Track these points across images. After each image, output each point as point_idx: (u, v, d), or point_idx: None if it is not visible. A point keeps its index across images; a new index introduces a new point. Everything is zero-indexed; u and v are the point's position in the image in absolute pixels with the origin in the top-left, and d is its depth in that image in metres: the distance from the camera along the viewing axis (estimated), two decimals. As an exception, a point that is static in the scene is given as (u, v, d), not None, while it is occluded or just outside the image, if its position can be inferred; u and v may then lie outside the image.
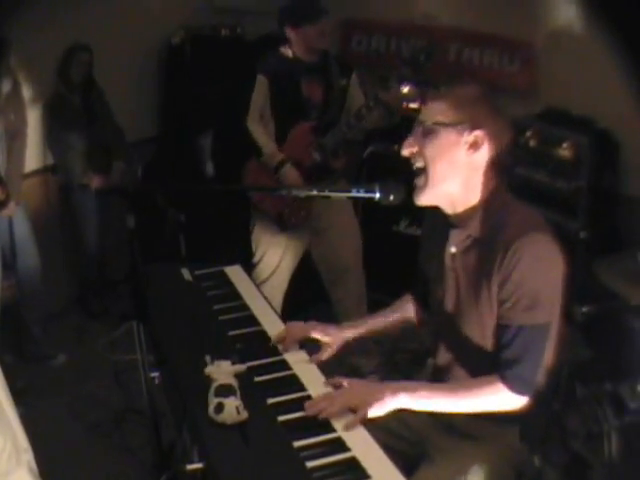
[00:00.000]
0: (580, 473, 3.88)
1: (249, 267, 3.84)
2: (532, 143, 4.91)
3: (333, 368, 2.96)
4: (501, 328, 2.57)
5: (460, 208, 2.67)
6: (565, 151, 4.73)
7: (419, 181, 2.66)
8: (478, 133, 2.57)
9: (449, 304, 2.76)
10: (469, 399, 2.61)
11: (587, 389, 3.98)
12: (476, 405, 2.61)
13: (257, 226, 5.08)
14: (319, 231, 5.09)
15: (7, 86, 5.02)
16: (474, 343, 2.68)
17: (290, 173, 4.76)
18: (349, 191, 2.85)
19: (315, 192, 2.89)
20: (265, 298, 3.54)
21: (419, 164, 2.65)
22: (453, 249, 2.70)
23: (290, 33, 4.72)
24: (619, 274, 3.87)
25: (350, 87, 4.94)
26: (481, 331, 2.65)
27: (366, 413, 2.55)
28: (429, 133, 2.61)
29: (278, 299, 5.06)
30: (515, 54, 5.52)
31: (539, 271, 2.50)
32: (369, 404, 2.56)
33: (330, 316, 4.93)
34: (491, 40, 5.65)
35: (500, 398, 2.57)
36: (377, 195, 2.77)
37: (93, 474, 4.31)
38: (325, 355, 3.02)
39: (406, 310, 3.18)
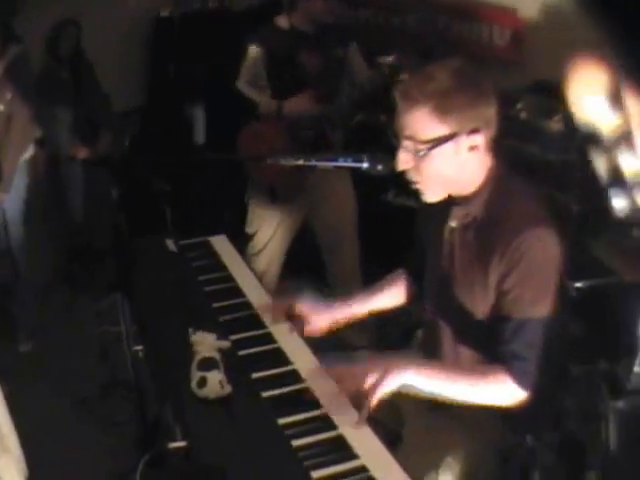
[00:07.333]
0: (575, 454, 3.85)
1: (237, 237, 3.80)
2: (523, 115, 4.86)
3: (320, 342, 2.91)
4: (501, 319, 2.51)
5: (462, 192, 2.62)
6: (556, 124, 4.69)
7: (419, 190, 2.61)
8: (476, 137, 2.49)
9: (442, 273, 2.72)
10: (472, 387, 2.53)
11: (581, 368, 3.96)
12: (478, 395, 2.52)
13: (253, 198, 4.97)
14: (315, 203, 4.97)
15: (10, 56, 4.70)
16: (463, 313, 2.64)
17: (297, 101, 4.66)
18: (336, 160, 2.79)
19: (302, 161, 2.83)
20: (251, 269, 3.50)
21: (416, 178, 2.57)
22: (453, 223, 2.67)
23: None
24: (613, 250, 3.84)
25: (348, 57, 4.81)
26: (471, 304, 2.61)
27: (378, 395, 2.42)
28: (423, 158, 2.49)
29: (274, 270, 5.03)
30: (504, 27, 5.48)
31: (543, 266, 2.47)
32: (379, 384, 2.42)
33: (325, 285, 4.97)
34: (480, 13, 5.60)
35: (504, 390, 2.49)
36: (365, 165, 2.72)
37: (77, 450, 4.25)
38: (313, 331, 2.94)
39: (397, 290, 3.10)
